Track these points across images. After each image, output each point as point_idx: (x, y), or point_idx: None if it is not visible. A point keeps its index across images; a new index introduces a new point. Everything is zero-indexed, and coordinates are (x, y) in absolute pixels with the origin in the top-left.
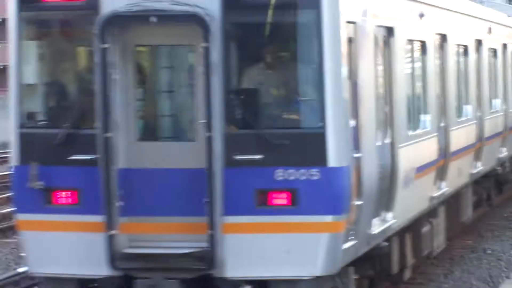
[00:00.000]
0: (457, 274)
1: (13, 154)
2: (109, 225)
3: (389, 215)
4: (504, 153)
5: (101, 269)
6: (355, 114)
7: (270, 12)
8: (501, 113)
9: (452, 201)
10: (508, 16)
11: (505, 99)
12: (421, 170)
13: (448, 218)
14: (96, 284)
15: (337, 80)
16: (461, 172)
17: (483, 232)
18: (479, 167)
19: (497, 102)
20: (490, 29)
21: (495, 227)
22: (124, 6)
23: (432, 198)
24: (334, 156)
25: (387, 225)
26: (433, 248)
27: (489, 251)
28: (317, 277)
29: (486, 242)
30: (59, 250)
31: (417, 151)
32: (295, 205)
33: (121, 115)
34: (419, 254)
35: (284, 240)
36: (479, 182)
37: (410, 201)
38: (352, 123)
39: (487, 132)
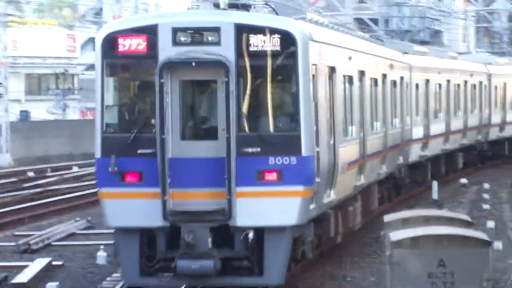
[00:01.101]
0: None
1: (96, 150)
2: (163, 193)
3: (332, 192)
4: (401, 161)
5: (156, 222)
6: (316, 123)
7: (266, 59)
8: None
9: (365, 193)
10: (404, 54)
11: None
12: (350, 164)
13: (363, 205)
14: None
15: (307, 102)
16: (372, 171)
17: (343, 258)
18: (384, 169)
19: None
20: (391, 65)
21: (354, 253)
22: (174, 55)
23: (355, 186)
24: (305, 149)
25: (330, 198)
26: (355, 224)
27: (348, 278)
28: (294, 225)
29: (345, 269)
30: (130, 211)
31: (348, 151)
32: (281, 180)
33: (170, 123)
34: (346, 226)
35: (274, 202)
36: (382, 183)
37: (343, 185)
38: (314, 129)
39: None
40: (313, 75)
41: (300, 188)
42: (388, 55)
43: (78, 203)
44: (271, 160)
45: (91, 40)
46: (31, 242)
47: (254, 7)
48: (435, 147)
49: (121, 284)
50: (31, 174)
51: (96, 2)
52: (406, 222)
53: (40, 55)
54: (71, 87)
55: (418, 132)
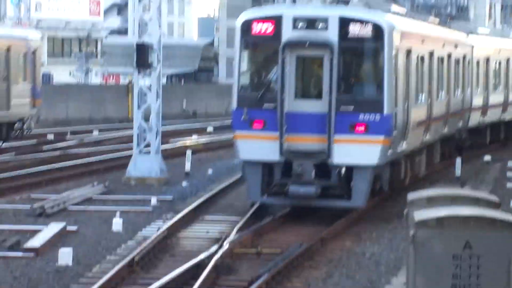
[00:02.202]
0: (336, 278)
1: (233, 103)
2: (281, 136)
3: (404, 143)
4: (461, 124)
5: (275, 157)
6: (395, 91)
7: (361, 43)
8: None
9: (429, 148)
10: (469, 34)
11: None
12: (419, 124)
13: (427, 157)
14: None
15: (390, 75)
16: (436, 131)
17: (361, 233)
18: (446, 130)
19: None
20: (456, 45)
21: (374, 228)
22: (293, 37)
23: (422, 141)
24: (387, 109)
25: (403, 148)
26: (420, 171)
27: (367, 255)
28: (375, 165)
29: (365, 245)
30: (255, 148)
31: (418, 113)
32: (367, 131)
33: (289, 87)
34: (413, 172)
35: (361, 147)
36: (444, 140)
37: (413, 139)
38: (394, 95)
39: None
40: (395, 55)
41: (381, 137)
42: (453, 36)
43: (97, 167)
44: (361, 116)
45: (115, 5)
46: (46, 206)
47: (352, 1)
48: (494, 115)
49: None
50: (51, 137)
51: None
52: (431, 201)
53: (63, 18)
54: (94, 51)
55: (477, 101)
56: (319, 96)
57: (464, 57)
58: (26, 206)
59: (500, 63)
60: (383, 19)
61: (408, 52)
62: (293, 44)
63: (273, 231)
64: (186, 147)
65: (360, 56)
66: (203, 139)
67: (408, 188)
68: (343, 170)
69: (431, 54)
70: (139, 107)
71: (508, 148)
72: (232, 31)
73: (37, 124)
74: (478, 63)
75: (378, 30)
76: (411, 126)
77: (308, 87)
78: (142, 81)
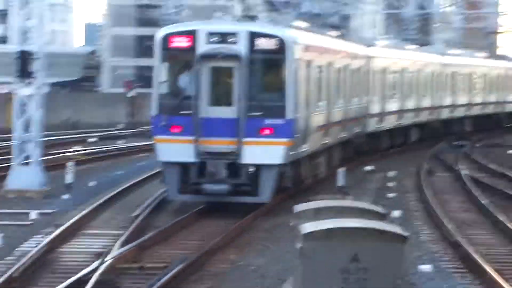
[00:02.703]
0: None
1: (153, 110)
2: (196, 140)
3: (305, 146)
4: (359, 130)
5: (191, 158)
6: (297, 98)
7: (266, 54)
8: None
9: (329, 151)
10: (368, 46)
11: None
12: (319, 127)
13: (328, 159)
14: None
15: (291, 83)
16: (335, 135)
17: (244, 245)
18: (343, 135)
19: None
20: (354, 56)
21: (257, 239)
22: (207, 49)
23: (321, 144)
24: (288, 114)
25: (304, 149)
26: (321, 172)
27: (253, 267)
28: (279, 164)
29: (249, 257)
30: (173, 151)
31: (318, 118)
32: (273, 134)
33: (204, 95)
34: (314, 171)
35: (267, 148)
36: (343, 144)
37: (314, 142)
38: (295, 102)
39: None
40: (297, 66)
41: (285, 140)
42: (351, 49)
43: None
44: (267, 121)
45: None
46: None
47: (259, 18)
48: (391, 122)
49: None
50: None
51: None
52: (318, 213)
53: None
54: None
55: (374, 108)
56: (230, 103)
57: (361, 68)
58: None
59: (395, 73)
60: (286, 33)
61: (309, 63)
62: (207, 56)
63: (157, 245)
64: (68, 159)
65: (266, 67)
66: (86, 150)
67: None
68: (251, 169)
69: (330, 65)
70: (18, 117)
71: (388, 158)
72: (117, 39)
73: None
74: (375, 73)
75: (281, 43)
76: (312, 130)
77: (220, 95)
78: (23, 91)
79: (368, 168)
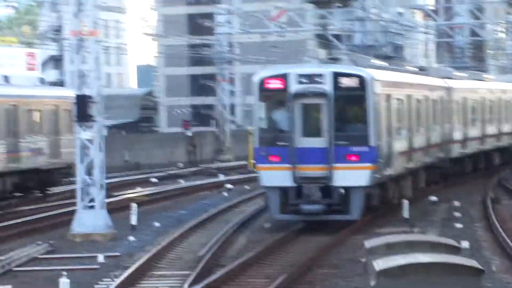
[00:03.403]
0: None
1: (255, 142)
2: (292, 167)
3: (389, 169)
4: (442, 155)
5: (289, 183)
6: (379, 127)
7: (350, 91)
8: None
9: (415, 174)
10: (445, 78)
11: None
12: (402, 154)
13: (412, 182)
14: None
15: (373, 115)
16: (418, 159)
17: (312, 283)
18: (427, 159)
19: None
20: (432, 88)
21: (325, 276)
22: (298, 89)
23: (405, 168)
24: (372, 142)
25: (388, 173)
26: (406, 194)
27: None
28: (366, 186)
29: None
30: (273, 177)
31: (400, 144)
32: (359, 160)
33: (297, 128)
34: (399, 193)
35: (354, 172)
36: (428, 168)
37: (397, 166)
38: (377, 131)
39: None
40: (377, 100)
41: (369, 164)
42: (428, 81)
43: (41, 225)
44: (353, 148)
45: (52, 58)
46: None
47: (341, 59)
48: (473, 147)
49: None
50: None
51: (55, 19)
52: (390, 248)
53: None
54: None
55: (457, 134)
56: (320, 134)
57: (441, 98)
58: None
59: (475, 101)
60: (366, 72)
61: (388, 97)
62: (298, 95)
63: (225, 285)
64: (131, 200)
65: (349, 102)
66: (148, 191)
67: (362, 227)
68: (342, 190)
69: (409, 97)
70: (81, 161)
71: (453, 188)
72: (172, 79)
73: None
74: (456, 102)
75: (361, 81)
76: (395, 155)
77: (311, 128)
78: (83, 134)
79: (433, 198)
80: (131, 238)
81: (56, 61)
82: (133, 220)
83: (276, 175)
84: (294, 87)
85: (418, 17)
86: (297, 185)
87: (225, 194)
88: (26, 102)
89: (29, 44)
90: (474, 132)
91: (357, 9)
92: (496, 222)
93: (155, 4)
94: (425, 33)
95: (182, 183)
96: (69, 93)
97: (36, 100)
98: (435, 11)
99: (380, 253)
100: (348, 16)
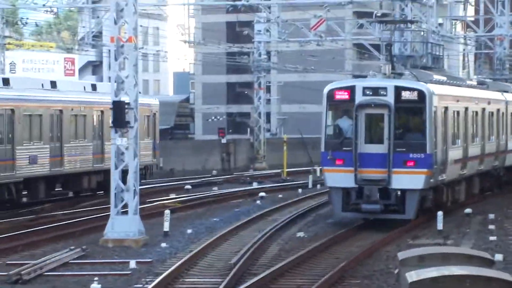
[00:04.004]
0: None
1: (322, 147)
2: (355, 170)
3: (444, 175)
4: (496, 164)
5: (351, 184)
6: (435, 136)
7: (410, 103)
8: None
9: (468, 180)
10: (503, 92)
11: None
12: (457, 161)
13: (466, 187)
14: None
15: (430, 125)
16: (472, 167)
17: None
18: (481, 167)
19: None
20: (489, 102)
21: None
22: (363, 100)
23: (459, 174)
24: (428, 150)
25: (443, 178)
26: (460, 198)
27: None
28: (421, 189)
29: None
30: (337, 178)
31: (455, 153)
32: (415, 165)
33: (360, 135)
34: (453, 197)
35: (411, 176)
36: (482, 175)
37: (452, 172)
38: (434, 140)
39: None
40: (435, 112)
41: (425, 170)
42: (486, 95)
43: (74, 230)
44: (411, 155)
45: (90, 63)
46: (22, 272)
47: (404, 74)
48: None
49: None
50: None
51: (95, 25)
52: (422, 260)
53: (39, 79)
54: None
55: (510, 145)
56: (381, 141)
57: (498, 111)
58: (2, 273)
59: None
60: (425, 87)
61: (445, 109)
62: (363, 106)
63: None
64: (164, 207)
65: (409, 113)
66: (182, 197)
67: (396, 238)
68: (399, 193)
69: (466, 109)
70: (116, 167)
71: (488, 201)
72: (208, 86)
73: (156, 170)
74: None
75: (421, 95)
76: (449, 163)
77: (374, 135)
78: (119, 140)
79: (467, 210)
80: (164, 244)
81: (94, 66)
82: (166, 226)
83: (340, 177)
84: (360, 98)
85: (458, 28)
86: (358, 186)
87: (258, 202)
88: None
89: (68, 50)
90: None
91: (397, 19)
92: None
93: (194, 11)
94: (465, 44)
95: (216, 190)
96: (148, 100)
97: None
98: (475, 22)
99: (412, 265)
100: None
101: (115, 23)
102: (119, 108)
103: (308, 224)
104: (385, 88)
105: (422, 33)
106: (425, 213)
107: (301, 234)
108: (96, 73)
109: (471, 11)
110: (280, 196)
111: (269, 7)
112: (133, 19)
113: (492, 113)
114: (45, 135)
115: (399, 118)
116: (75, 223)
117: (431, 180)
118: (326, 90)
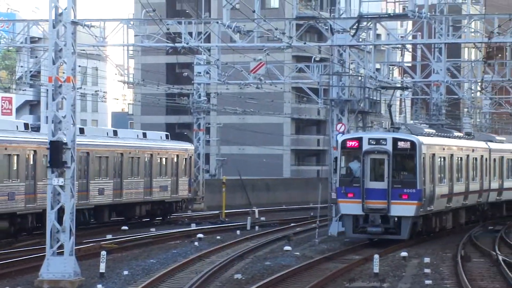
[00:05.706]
0: None
1: (337, 183)
2: (363, 201)
3: (432, 206)
4: (480, 200)
5: (360, 212)
6: (424, 176)
7: (404, 151)
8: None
9: (455, 212)
10: (487, 142)
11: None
12: (443, 196)
13: (453, 218)
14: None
15: (420, 168)
16: (457, 201)
17: None
18: (465, 202)
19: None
20: (473, 150)
21: None
22: (369, 148)
23: (446, 206)
24: (418, 186)
25: (431, 208)
26: (447, 226)
27: None
28: (413, 215)
29: None
30: (349, 208)
31: (441, 189)
32: (408, 198)
33: (367, 174)
34: (441, 225)
35: (405, 207)
36: (468, 209)
37: (439, 204)
38: (423, 179)
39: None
40: (423, 157)
41: (416, 201)
42: (470, 144)
43: (8, 270)
44: (405, 190)
45: (27, 102)
46: None
47: (401, 128)
48: (509, 195)
49: None
50: None
51: (33, 64)
52: None
53: None
54: None
55: (495, 185)
56: (382, 179)
57: (481, 157)
58: None
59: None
60: (416, 138)
61: (433, 155)
62: (368, 152)
63: None
64: (101, 247)
65: (404, 158)
66: (118, 239)
67: (332, 281)
68: (396, 219)
69: (452, 156)
70: (52, 207)
71: (425, 244)
72: (147, 126)
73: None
74: (494, 160)
75: (413, 145)
76: (436, 197)
77: (377, 175)
78: (55, 181)
79: (403, 254)
80: (99, 286)
81: (32, 106)
82: (102, 267)
83: (351, 207)
84: (366, 146)
85: (396, 73)
86: (365, 214)
87: (196, 243)
88: (159, 152)
89: (6, 89)
90: (509, 183)
91: (336, 64)
92: (464, 280)
93: (134, 52)
94: (404, 87)
95: (154, 231)
96: (185, 145)
97: (166, 151)
98: (412, 68)
99: None
100: (325, 70)
101: (53, 63)
102: (56, 148)
103: (246, 266)
104: (385, 139)
105: (359, 78)
106: (417, 236)
107: (238, 276)
108: (33, 113)
109: (408, 57)
110: (218, 237)
111: (209, 50)
112: (72, 59)
113: (476, 158)
114: (110, 172)
115: (396, 162)
116: (11, 262)
117: (421, 210)
118: (340, 139)
